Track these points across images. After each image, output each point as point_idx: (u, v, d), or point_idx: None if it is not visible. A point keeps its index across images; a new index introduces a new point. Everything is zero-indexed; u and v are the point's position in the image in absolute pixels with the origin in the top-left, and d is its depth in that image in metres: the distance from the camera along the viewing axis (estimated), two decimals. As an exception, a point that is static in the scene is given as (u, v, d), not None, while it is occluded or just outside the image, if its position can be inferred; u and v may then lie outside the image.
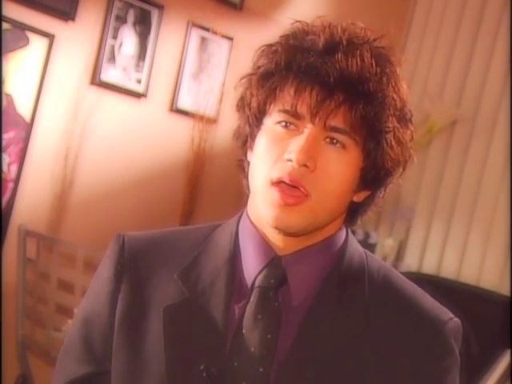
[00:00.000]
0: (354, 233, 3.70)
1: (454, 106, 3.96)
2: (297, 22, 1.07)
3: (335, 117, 1.00)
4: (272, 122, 1.04)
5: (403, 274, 1.15)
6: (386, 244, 3.94)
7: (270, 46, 1.06)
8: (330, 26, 1.03)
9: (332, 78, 0.99)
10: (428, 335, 1.06)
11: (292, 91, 1.01)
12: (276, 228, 1.05)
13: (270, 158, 1.03)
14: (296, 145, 1.01)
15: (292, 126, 1.03)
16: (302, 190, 1.01)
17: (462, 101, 3.97)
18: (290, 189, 1.01)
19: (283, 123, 1.03)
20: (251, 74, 1.06)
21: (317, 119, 1.00)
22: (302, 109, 1.01)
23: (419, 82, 4.07)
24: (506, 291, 3.49)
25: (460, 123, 3.93)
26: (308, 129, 1.01)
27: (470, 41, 3.98)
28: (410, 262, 3.98)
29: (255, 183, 1.05)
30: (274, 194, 1.02)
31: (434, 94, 4.00)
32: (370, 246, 3.77)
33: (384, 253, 3.91)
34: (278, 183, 1.02)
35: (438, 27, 4.11)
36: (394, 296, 1.09)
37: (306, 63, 1.00)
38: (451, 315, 1.09)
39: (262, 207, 1.04)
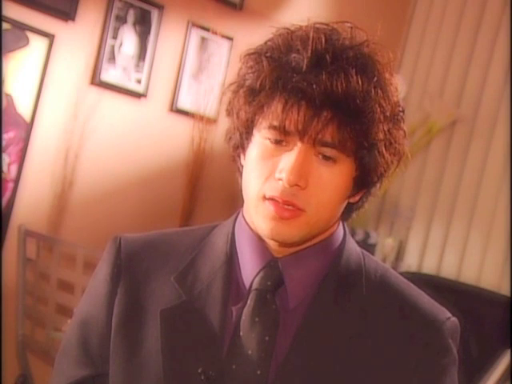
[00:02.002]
0: (354, 233, 3.68)
1: (454, 105, 3.95)
2: (281, 29, 1.05)
3: (324, 134, 0.99)
4: (261, 136, 1.03)
5: (403, 274, 1.15)
6: (386, 244, 3.93)
7: (256, 56, 1.04)
8: (313, 39, 1.01)
9: (318, 99, 0.98)
10: (426, 335, 1.06)
11: (279, 108, 1.00)
12: (272, 239, 1.05)
13: (262, 174, 1.02)
14: (286, 164, 1.00)
15: (283, 142, 1.02)
16: (296, 207, 1.01)
17: (462, 101, 3.97)
18: (284, 204, 1.01)
19: (273, 139, 1.02)
20: (238, 85, 1.05)
21: (306, 137, 1.00)
22: (291, 126, 1.00)
23: (419, 82, 4.07)
24: (506, 291, 3.48)
25: (460, 123, 3.93)
26: (298, 146, 1.00)
27: (470, 41, 3.97)
28: (410, 262, 3.97)
29: (248, 195, 1.05)
30: (269, 207, 1.02)
31: (433, 93, 4.00)
32: (369, 246, 3.77)
33: (384, 253, 3.91)
34: (271, 199, 1.02)
35: (438, 27, 4.11)
36: (392, 296, 1.09)
37: (292, 85, 0.99)
38: (449, 315, 1.09)
39: (257, 220, 1.04)
